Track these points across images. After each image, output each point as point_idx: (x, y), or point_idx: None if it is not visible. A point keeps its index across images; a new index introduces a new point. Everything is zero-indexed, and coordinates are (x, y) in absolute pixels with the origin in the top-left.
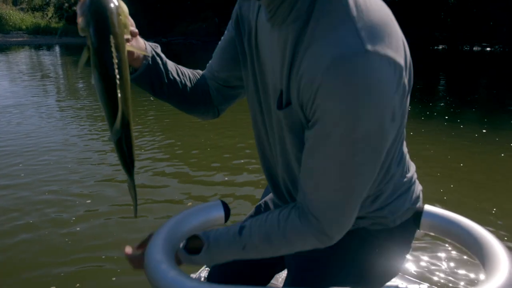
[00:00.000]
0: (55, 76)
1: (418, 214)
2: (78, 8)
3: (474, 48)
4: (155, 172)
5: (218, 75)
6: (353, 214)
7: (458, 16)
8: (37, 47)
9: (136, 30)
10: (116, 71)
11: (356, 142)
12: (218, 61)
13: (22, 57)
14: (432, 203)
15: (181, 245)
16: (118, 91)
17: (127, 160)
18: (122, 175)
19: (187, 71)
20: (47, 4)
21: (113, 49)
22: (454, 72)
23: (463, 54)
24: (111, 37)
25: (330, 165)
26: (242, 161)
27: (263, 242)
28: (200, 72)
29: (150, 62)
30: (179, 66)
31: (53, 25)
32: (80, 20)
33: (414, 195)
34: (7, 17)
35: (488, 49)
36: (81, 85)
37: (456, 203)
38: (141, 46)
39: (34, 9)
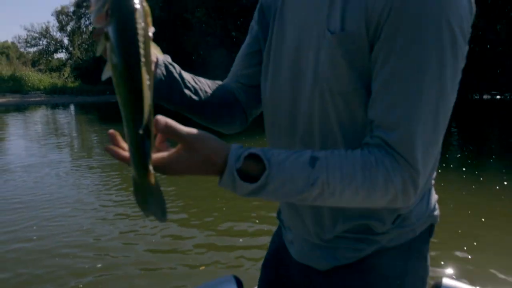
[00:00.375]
0: (69, 134)
1: (432, 228)
2: None
3: (484, 97)
4: (167, 234)
5: (242, 74)
6: (433, 157)
7: (467, 65)
8: (54, 106)
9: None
10: (142, 51)
11: (444, 46)
12: (242, 61)
13: (38, 116)
14: (451, 266)
15: (235, 166)
16: (144, 71)
17: (146, 158)
18: (136, 235)
19: (204, 79)
20: (64, 65)
21: (139, 32)
22: (466, 122)
23: (473, 103)
24: (137, 23)
25: (421, 82)
26: (256, 225)
27: (340, 180)
28: (220, 82)
29: (164, 71)
30: (195, 76)
31: (69, 84)
32: (97, 5)
33: (433, 199)
34: (26, 78)
35: (498, 97)
36: (95, 143)
37: (479, 271)
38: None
39: (51, 70)
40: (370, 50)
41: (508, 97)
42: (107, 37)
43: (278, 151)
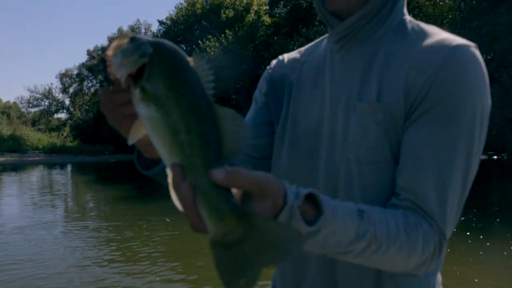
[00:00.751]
0: (65, 195)
1: None
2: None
3: (481, 157)
4: None
5: (250, 144)
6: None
7: None
8: (51, 166)
9: None
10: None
11: (475, 123)
12: (251, 131)
13: (35, 177)
14: None
15: (297, 202)
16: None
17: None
18: None
19: None
20: (64, 125)
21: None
22: None
23: None
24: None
25: (453, 152)
26: None
27: (386, 236)
28: None
29: None
30: None
31: (68, 144)
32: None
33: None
34: (26, 137)
35: (495, 157)
36: (91, 205)
37: None
38: None
39: (51, 130)
40: (404, 121)
41: (505, 157)
42: (144, 92)
43: (326, 196)
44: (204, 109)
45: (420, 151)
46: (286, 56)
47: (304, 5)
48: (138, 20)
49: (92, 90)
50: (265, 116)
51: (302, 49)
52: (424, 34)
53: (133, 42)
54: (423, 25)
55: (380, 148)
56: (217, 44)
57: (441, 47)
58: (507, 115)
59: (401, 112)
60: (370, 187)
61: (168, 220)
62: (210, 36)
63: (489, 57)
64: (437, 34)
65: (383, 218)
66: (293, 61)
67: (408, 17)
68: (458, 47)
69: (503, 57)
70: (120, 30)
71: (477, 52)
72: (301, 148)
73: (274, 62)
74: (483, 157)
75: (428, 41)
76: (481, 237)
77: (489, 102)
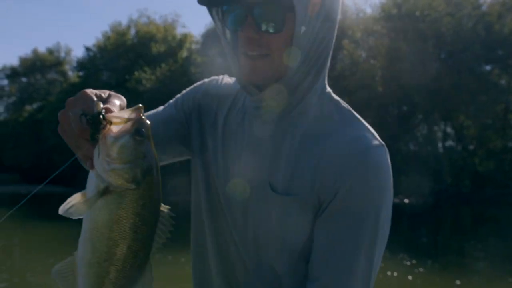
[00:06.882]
0: None
1: None
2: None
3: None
4: None
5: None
6: None
7: None
8: None
9: None
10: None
11: (380, 223)
12: (161, 121)
13: None
14: None
15: None
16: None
17: None
18: None
19: None
20: None
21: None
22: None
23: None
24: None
25: (357, 252)
26: None
27: None
28: None
29: None
30: None
31: None
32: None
33: None
34: None
35: (406, 200)
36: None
37: None
38: None
39: None
40: (314, 214)
41: (415, 202)
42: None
43: None
44: (141, 253)
45: (328, 249)
46: (222, 85)
47: None
48: (59, 43)
49: None
50: (176, 126)
51: (236, 86)
52: (341, 124)
53: (134, 151)
54: (342, 109)
55: (299, 235)
56: (152, 77)
57: (353, 150)
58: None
59: (310, 203)
60: (288, 270)
61: None
62: (147, 68)
63: None
64: (352, 128)
65: None
66: (225, 98)
67: (327, 92)
68: (369, 152)
69: None
70: (34, 51)
71: (386, 155)
72: (212, 192)
73: (211, 83)
74: (396, 200)
75: (341, 139)
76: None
77: (390, 205)
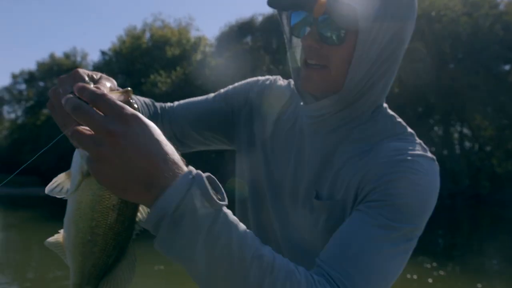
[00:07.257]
0: None
1: None
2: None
3: None
4: None
5: (180, 123)
6: None
7: None
8: None
9: None
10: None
11: (413, 235)
12: (194, 118)
13: None
14: None
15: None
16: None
17: None
18: None
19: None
20: None
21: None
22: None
23: None
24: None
25: (380, 245)
26: None
27: (281, 265)
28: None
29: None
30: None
31: None
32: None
33: None
34: None
35: None
36: None
37: None
38: None
39: None
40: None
41: None
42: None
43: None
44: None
45: (352, 235)
46: (276, 86)
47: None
48: (75, 47)
49: (13, 116)
50: (221, 115)
51: (288, 90)
52: (393, 139)
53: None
54: (396, 124)
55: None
56: (167, 80)
57: (401, 156)
58: None
59: (349, 207)
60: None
61: None
62: (162, 71)
63: None
64: (404, 142)
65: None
66: (277, 100)
67: (384, 107)
68: (419, 159)
69: None
70: (51, 56)
71: (437, 169)
72: (259, 192)
73: (265, 83)
74: None
75: (392, 148)
76: None
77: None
